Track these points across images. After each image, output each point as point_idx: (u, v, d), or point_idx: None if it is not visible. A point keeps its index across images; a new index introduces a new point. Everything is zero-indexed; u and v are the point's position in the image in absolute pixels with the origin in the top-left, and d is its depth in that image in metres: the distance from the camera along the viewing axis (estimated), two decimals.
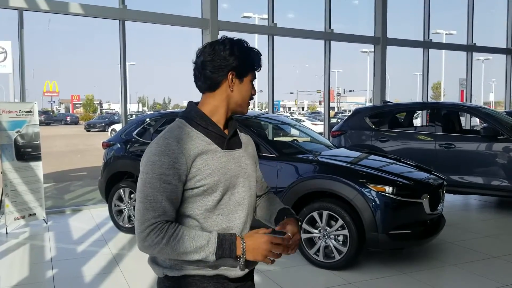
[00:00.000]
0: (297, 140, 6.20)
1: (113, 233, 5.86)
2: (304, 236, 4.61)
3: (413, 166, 5.30)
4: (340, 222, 4.40)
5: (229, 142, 1.62)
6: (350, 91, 65.65)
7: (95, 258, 4.89)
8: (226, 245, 1.47)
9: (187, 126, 1.57)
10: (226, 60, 1.56)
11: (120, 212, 5.88)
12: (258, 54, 1.64)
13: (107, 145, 6.19)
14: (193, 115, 1.60)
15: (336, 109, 52.21)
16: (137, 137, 5.90)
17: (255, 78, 1.67)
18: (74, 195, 9.12)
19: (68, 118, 49.91)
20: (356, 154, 5.57)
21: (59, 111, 62.64)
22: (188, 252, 1.45)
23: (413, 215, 4.49)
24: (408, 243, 4.55)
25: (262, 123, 6.04)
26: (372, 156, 5.54)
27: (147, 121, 6.00)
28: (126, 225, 5.81)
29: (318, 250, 4.55)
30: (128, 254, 5.10)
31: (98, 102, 73.17)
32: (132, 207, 5.76)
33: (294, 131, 6.65)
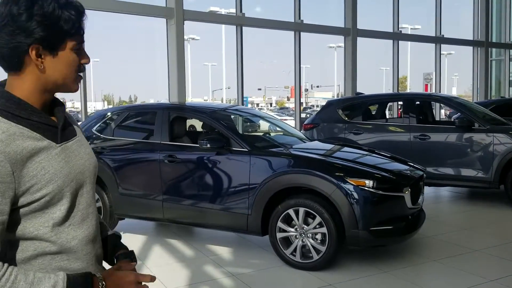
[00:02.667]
0: (269, 134, 5.90)
1: None
2: (279, 235, 4.30)
3: (389, 157, 5.07)
4: (318, 219, 4.11)
5: (63, 132, 1.24)
6: (317, 86, 65.91)
7: None
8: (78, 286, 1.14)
9: (1, 121, 1.13)
10: (24, 28, 1.12)
11: None
12: (76, 8, 1.18)
13: None
14: (5, 103, 1.15)
15: (304, 105, 52.26)
16: (97, 133, 5.46)
17: (82, 42, 1.23)
18: None
19: None
20: (331, 146, 5.30)
21: None
22: None
23: (394, 209, 4.24)
24: (390, 240, 4.30)
25: (232, 116, 5.70)
26: (348, 148, 5.28)
27: (108, 116, 5.56)
28: None
29: (294, 250, 4.25)
30: None
31: (62, 100, 71.19)
32: None
33: (265, 125, 6.33)
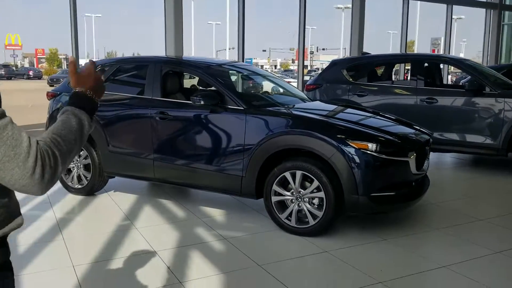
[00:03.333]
0: (268, 93, 5.60)
1: (61, 194, 5.21)
2: (275, 199, 4.08)
3: (394, 120, 4.78)
4: (316, 183, 3.87)
5: None
6: (323, 49, 64.77)
7: (36, 224, 4.26)
8: (85, 104, 1.36)
9: None
10: None
11: (68, 171, 5.21)
12: None
13: (52, 96, 5.44)
14: None
15: (309, 67, 51.48)
16: None
17: None
18: None
19: (31, 72, 47.64)
20: (333, 107, 5.01)
21: (23, 66, 60.03)
22: (76, 130, 1.27)
23: (398, 175, 3.99)
24: (391, 207, 4.07)
25: (230, 72, 5.38)
26: (351, 110, 4.99)
27: (98, 68, 5.25)
28: (76, 186, 5.16)
29: (290, 214, 4.03)
30: (74, 219, 4.49)
31: (64, 56, 70.23)
32: (81, 166, 5.10)
33: (266, 84, 6.00)
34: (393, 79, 8.12)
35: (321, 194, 3.86)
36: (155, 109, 4.61)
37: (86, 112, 1.34)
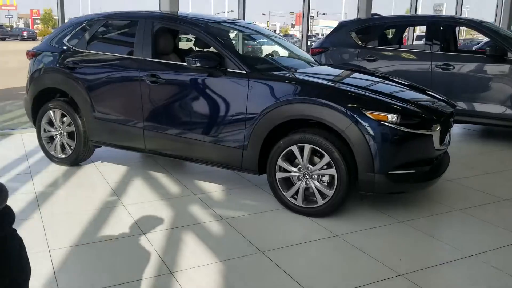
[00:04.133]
0: (273, 55, 5.06)
1: (43, 164, 4.75)
2: (279, 175, 3.63)
3: (413, 88, 4.28)
4: (327, 159, 3.41)
5: None
6: (323, 14, 63.20)
7: (12, 197, 3.82)
8: None
9: None
10: None
11: (51, 139, 4.74)
12: None
13: (32, 55, 4.89)
14: None
15: (308, 33, 50.32)
16: (70, 45, 4.62)
17: None
18: (9, 117, 7.85)
19: (25, 33, 46.41)
20: (344, 72, 4.50)
21: (18, 26, 58.61)
22: None
23: (419, 151, 3.52)
24: (410, 186, 3.62)
25: (230, 31, 4.84)
26: (363, 75, 4.47)
27: (83, 24, 4.69)
28: (59, 155, 4.69)
29: (296, 192, 3.59)
30: (55, 194, 4.03)
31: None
32: (65, 134, 4.61)
33: (269, 45, 5.41)
34: (405, 43, 7.55)
35: (332, 171, 3.41)
36: (146, 71, 4.09)
37: None
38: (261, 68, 3.97)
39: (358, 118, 3.31)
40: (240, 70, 3.75)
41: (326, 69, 4.62)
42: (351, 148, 3.36)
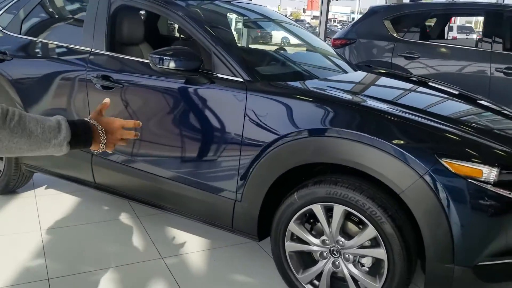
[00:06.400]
0: (284, 49, 3.65)
1: None
2: (291, 246, 2.28)
3: (473, 101, 2.89)
4: (371, 231, 2.04)
5: None
6: None
7: None
8: (80, 130, 1.15)
9: None
10: None
11: None
12: None
13: None
14: None
15: (327, 19, 48.40)
16: None
17: None
18: None
19: None
20: (397, 83, 3.08)
21: None
22: (33, 139, 1.03)
23: None
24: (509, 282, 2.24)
25: (225, 14, 3.44)
26: (426, 89, 3.07)
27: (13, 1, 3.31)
28: None
29: (318, 276, 2.24)
30: None
31: None
32: None
33: (282, 37, 3.87)
34: (446, 36, 6.11)
35: (380, 252, 2.05)
36: (95, 69, 2.73)
37: (71, 141, 1.12)
38: (269, 75, 2.56)
39: (430, 171, 1.92)
40: (235, 76, 2.37)
41: (366, 77, 3.18)
42: (415, 219, 2.00)
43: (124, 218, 3.15)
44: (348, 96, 2.38)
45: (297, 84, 2.45)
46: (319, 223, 2.22)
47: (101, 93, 2.70)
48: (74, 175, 2.99)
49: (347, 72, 2.98)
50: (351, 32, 5.67)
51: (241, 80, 2.35)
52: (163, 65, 2.34)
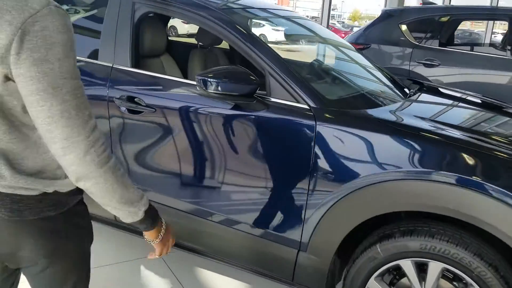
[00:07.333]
0: (319, 61, 3.25)
1: None
2: None
3: None
4: None
5: None
6: None
7: None
8: (153, 209, 1.17)
9: None
10: None
11: None
12: None
13: None
14: None
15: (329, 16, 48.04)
16: None
17: None
18: None
19: None
20: (477, 108, 2.74)
21: None
22: (125, 191, 1.06)
23: None
24: None
25: (275, 25, 3.04)
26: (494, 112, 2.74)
27: None
28: None
29: None
30: None
31: None
32: None
33: (329, 52, 3.30)
34: (478, 42, 5.85)
35: None
36: (119, 89, 2.29)
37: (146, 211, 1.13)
38: (336, 99, 2.16)
39: None
40: (298, 102, 1.98)
41: (439, 99, 2.77)
42: None
43: (144, 257, 2.72)
44: (447, 130, 2.00)
45: (374, 112, 2.07)
46: (404, 279, 1.87)
47: (127, 117, 2.27)
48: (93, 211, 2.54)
49: (405, 92, 2.61)
50: (363, 37, 5.33)
51: (306, 107, 1.97)
52: (213, 89, 1.93)
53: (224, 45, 3.44)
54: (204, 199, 2.21)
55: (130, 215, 1.11)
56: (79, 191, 1.13)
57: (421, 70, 4.79)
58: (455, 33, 5.68)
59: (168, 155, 2.26)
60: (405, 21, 5.08)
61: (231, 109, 2.06)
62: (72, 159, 0.96)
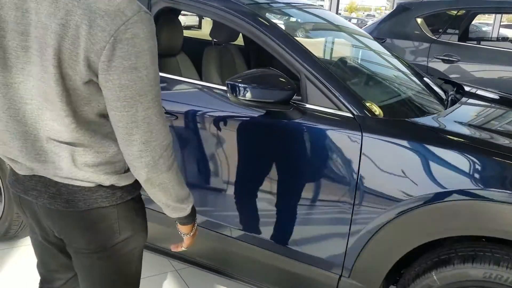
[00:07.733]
0: (347, 60, 3.02)
1: None
2: None
3: None
4: None
5: None
6: None
7: None
8: (194, 206, 1.21)
9: None
10: None
11: None
12: None
13: None
14: None
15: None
16: None
17: None
18: None
19: None
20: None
21: None
22: (181, 190, 1.11)
23: None
24: None
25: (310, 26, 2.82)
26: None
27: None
28: None
29: None
30: None
31: None
32: None
33: (344, 46, 3.04)
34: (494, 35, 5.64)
35: None
36: None
37: (185, 216, 1.18)
38: (381, 107, 1.94)
39: None
40: (340, 109, 1.77)
41: (492, 104, 2.56)
42: None
43: (162, 272, 2.51)
44: (499, 139, 1.79)
45: (425, 122, 1.85)
46: None
47: None
48: None
49: (441, 95, 2.40)
50: (377, 31, 5.11)
51: (350, 115, 1.75)
52: (245, 96, 1.71)
53: (239, 41, 3.23)
54: (231, 216, 2.00)
55: (180, 211, 1.15)
56: (135, 188, 1.13)
57: (440, 66, 4.58)
58: (470, 27, 5.45)
59: (197, 167, 2.04)
60: (422, 14, 4.86)
61: (264, 116, 1.84)
62: (147, 161, 0.98)
